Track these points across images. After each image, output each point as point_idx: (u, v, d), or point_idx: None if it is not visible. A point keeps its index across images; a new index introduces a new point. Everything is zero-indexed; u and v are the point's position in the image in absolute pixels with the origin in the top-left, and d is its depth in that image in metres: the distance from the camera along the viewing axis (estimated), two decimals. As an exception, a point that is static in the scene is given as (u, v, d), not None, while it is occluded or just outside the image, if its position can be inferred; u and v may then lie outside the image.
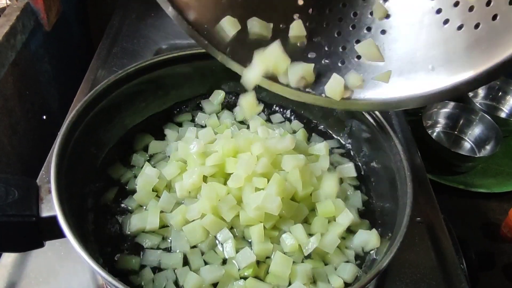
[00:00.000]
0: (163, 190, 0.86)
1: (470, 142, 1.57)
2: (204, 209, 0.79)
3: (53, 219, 0.66)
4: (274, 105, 1.10)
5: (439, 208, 1.01)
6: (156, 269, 0.77)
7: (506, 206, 1.35)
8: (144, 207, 0.84)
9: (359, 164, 0.99)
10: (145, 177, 0.85)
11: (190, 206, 0.81)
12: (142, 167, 0.90)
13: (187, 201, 0.84)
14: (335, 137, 1.04)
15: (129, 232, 0.81)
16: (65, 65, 1.51)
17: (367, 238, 0.82)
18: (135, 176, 0.89)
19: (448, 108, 1.59)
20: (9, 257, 0.83)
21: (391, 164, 0.85)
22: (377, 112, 0.89)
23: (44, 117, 1.45)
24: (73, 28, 1.64)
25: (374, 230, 0.82)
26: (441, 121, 1.61)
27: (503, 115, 1.70)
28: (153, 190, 0.86)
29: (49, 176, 0.90)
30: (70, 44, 1.60)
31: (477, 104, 1.59)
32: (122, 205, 0.85)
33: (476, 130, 1.56)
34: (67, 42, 1.56)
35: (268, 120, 1.07)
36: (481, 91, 1.75)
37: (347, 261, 0.80)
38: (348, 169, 0.95)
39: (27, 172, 1.23)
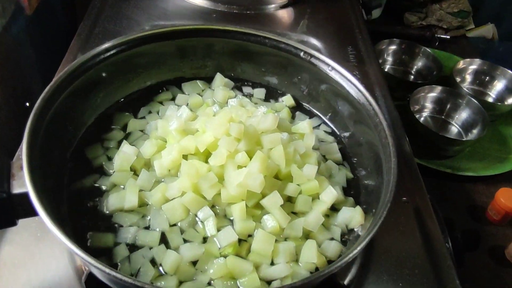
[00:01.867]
0: (141, 169, 0.83)
1: (457, 126, 1.57)
2: (185, 186, 0.77)
3: (25, 196, 0.64)
4: (258, 81, 1.08)
5: (425, 189, 1.00)
6: (134, 249, 0.75)
7: (493, 189, 1.35)
8: (122, 186, 0.82)
9: (344, 141, 0.97)
10: (123, 155, 0.83)
11: (170, 184, 0.79)
12: (119, 146, 0.87)
13: (167, 179, 0.82)
14: (320, 115, 1.03)
15: (107, 212, 0.78)
16: (48, 50, 1.47)
17: (351, 215, 0.80)
18: (111, 157, 0.87)
19: (435, 92, 1.58)
20: (-17, 240, 0.80)
21: (376, 141, 0.84)
22: (364, 90, 0.88)
23: (28, 104, 1.41)
24: (57, 12, 1.60)
25: (358, 207, 0.81)
26: (428, 105, 1.60)
27: (490, 99, 1.70)
28: (130, 170, 0.83)
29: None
30: (54, 29, 1.56)
31: (464, 89, 1.59)
32: (97, 184, 0.83)
33: (463, 114, 1.56)
34: (51, 27, 1.52)
35: (252, 95, 1.06)
36: (468, 76, 1.75)
37: (332, 239, 0.79)
38: (332, 147, 0.93)
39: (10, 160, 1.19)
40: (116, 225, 0.77)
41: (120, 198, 0.78)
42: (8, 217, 0.67)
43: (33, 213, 0.63)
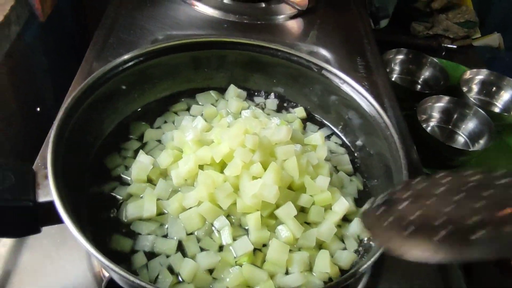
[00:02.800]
0: (157, 179, 0.85)
1: (464, 137, 1.59)
2: (201, 196, 0.79)
3: (50, 204, 0.66)
4: (270, 92, 1.11)
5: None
6: (151, 256, 0.77)
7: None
8: (141, 196, 0.84)
9: (355, 153, 0.99)
10: (139, 165, 0.85)
11: (187, 193, 0.81)
12: (135, 156, 0.90)
13: (183, 189, 0.84)
14: (331, 126, 1.05)
15: (125, 220, 0.81)
16: (60, 56, 1.50)
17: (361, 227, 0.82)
18: (128, 166, 0.89)
19: (442, 102, 1.60)
20: (5, 246, 0.82)
21: (387, 152, 0.86)
22: (375, 103, 0.90)
23: (38, 109, 1.44)
24: (68, 20, 1.63)
25: None
26: (436, 115, 1.62)
27: (496, 110, 1.72)
28: (147, 179, 0.86)
29: (44, 163, 0.91)
30: (65, 36, 1.59)
31: (471, 99, 1.61)
32: (114, 194, 0.85)
33: (470, 125, 1.57)
34: (62, 34, 1.55)
35: (264, 106, 1.08)
36: (475, 86, 1.76)
37: (344, 249, 0.81)
38: (343, 158, 0.95)
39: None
40: (134, 233, 0.80)
41: (138, 207, 0.81)
42: (33, 225, 0.69)
43: (57, 220, 0.66)
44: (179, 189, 0.85)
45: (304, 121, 1.05)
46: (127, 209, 0.81)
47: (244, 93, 1.08)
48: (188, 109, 1.04)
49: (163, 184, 0.84)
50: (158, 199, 0.82)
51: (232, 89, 1.06)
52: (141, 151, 0.90)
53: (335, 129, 1.04)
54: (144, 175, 0.85)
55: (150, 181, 0.87)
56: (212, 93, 1.07)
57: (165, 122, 0.99)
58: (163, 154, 0.88)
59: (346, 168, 0.95)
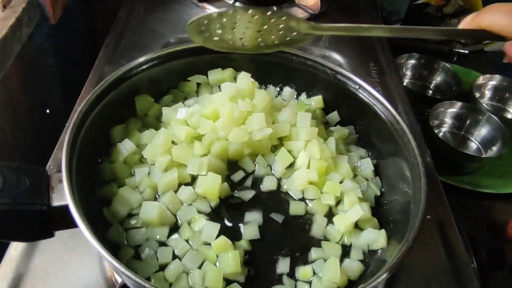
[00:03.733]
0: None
1: (477, 143, 1.57)
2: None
3: (65, 208, 0.65)
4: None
5: (449, 206, 1.00)
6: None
7: (513, 207, 1.35)
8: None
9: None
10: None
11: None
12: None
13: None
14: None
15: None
16: (69, 59, 1.50)
17: (375, 238, 0.80)
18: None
19: (454, 108, 1.58)
20: (16, 249, 0.82)
21: (405, 160, 0.84)
22: (391, 109, 0.89)
23: (48, 111, 1.44)
24: (78, 22, 1.63)
25: (383, 230, 0.81)
26: (448, 121, 1.60)
27: (509, 116, 1.70)
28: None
29: (57, 166, 0.90)
30: (75, 38, 1.59)
31: (484, 105, 1.59)
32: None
33: (482, 131, 1.55)
34: (72, 36, 1.55)
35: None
36: (487, 92, 1.75)
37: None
38: (366, 163, 0.94)
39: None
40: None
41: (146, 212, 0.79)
42: (46, 229, 0.68)
43: (71, 225, 0.65)
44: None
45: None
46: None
47: (256, 83, 1.05)
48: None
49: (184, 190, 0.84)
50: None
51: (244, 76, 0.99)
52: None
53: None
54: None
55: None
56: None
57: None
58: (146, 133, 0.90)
59: (366, 173, 0.93)
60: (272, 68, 1.03)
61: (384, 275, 0.65)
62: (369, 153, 0.98)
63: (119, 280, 0.77)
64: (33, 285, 0.77)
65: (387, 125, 0.89)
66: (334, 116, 1.02)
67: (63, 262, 0.81)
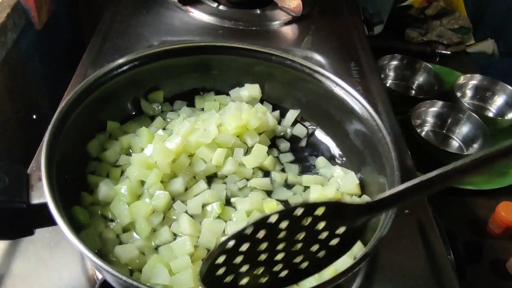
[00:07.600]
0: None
1: (458, 141, 1.60)
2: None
3: (44, 206, 0.66)
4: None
5: (427, 201, 1.02)
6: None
7: (493, 203, 1.37)
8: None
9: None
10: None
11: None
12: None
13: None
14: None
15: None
16: (56, 64, 1.51)
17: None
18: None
19: (436, 107, 1.61)
20: (-3, 249, 0.82)
21: (381, 156, 0.86)
22: (365, 104, 0.91)
23: (34, 116, 1.44)
24: (65, 28, 1.64)
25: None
26: (430, 120, 1.63)
27: (490, 114, 1.73)
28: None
29: (39, 166, 0.91)
30: (62, 44, 1.60)
31: (465, 104, 1.62)
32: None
33: (464, 129, 1.58)
34: (59, 41, 1.56)
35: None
36: (468, 91, 1.78)
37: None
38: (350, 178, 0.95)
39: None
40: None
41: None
42: (26, 227, 0.69)
43: (50, 222, 0.66)
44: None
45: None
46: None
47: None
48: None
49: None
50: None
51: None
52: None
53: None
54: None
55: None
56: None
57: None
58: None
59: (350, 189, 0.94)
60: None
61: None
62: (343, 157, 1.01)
63: (100, 277, 0.78)
64: (15, 285, 0.78)
65: (363, 122, 0.91)
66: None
67: (44, 261, 0.81)
